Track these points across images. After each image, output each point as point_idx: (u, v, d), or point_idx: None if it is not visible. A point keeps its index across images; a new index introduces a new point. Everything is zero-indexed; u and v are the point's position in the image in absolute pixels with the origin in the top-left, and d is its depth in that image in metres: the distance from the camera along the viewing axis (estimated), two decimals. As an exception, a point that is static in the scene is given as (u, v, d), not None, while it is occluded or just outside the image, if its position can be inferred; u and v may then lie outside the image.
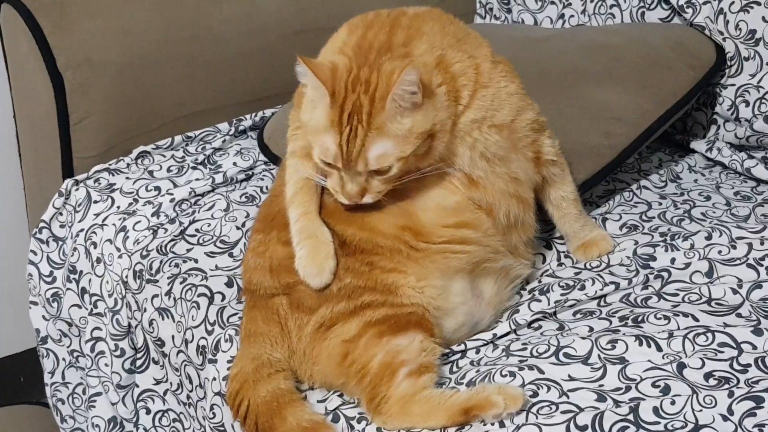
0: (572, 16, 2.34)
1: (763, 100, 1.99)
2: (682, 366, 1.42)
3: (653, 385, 1.39)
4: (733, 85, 2.05)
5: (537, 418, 1.37)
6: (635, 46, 2.06)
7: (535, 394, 1.41)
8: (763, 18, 2.00)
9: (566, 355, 1.47)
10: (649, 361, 1.43)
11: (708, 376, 1.40)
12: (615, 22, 2.25)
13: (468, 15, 2.53)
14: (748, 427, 1.31)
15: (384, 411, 1.41)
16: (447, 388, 1.45)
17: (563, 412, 1.37)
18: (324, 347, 1.48)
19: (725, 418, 1.33)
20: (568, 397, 1.40)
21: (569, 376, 1.43)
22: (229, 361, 1.64)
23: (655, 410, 1.35)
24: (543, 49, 2.12)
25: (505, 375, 1.45)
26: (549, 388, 1.41)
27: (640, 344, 1.46)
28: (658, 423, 1.34)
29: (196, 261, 1.83)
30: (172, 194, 2.01)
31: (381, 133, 1.41)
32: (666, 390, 1.38)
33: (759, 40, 2.01)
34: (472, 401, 1.37)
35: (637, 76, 1.98)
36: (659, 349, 1.46)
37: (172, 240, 1.89)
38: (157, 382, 1.90)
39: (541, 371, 1.44)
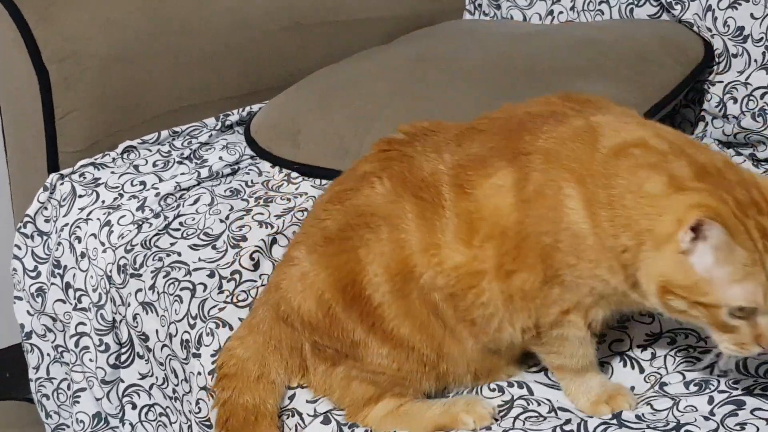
0: (561, 12, 2.34)
1: (751, 97, 1.98)
2: (663, 384, 1.41)
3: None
4: (721, 81, 2.04)
5: (524, 424, 1.37)
6: (623, 42, 2.06)
7: (525, 410, 1.40)
8: (752, 15, 1.99)
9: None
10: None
11: (688, 384, 1.39)
12: (604, 19, 2.25)
13: (457, 11, 2.53)
14: (731, 425, 1.30)
15: (366, 423, 1.43)
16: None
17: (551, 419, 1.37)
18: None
19: (707, 419, 1.32)
20: (556, 413, 1.39)
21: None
22: (212, 355, 1.63)
23: (638, 417, 1.35)
24: (531, 45, 2.11)
25: (493, 389, 1.44)
26: (539, 403, 1.41)
27: (624, 365, 1.45)
28: (640, 423, 1.33)
29: (179, 254, 1.82)
30: (157, 189, 2.00)
31: None
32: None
33: (747, 37, 2.01)
34: (442, 419, 1.38)
35: (625, 71, 1.97)
36: (642, 370, 1.45)
37: (156, 234, 1.89)
38: (143, 377, 1.89)
39: (531, 391, 1.44)
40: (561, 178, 1.27)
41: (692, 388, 1.38)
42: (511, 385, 1.44)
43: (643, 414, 1.35)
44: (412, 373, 1.39)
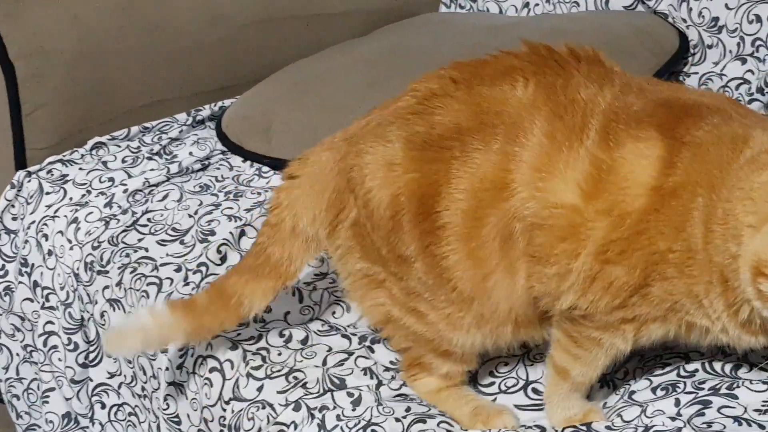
0: (537, 4, 2.32)
1: (726, 88, 1.96)
2: (632, 393, 1.38)
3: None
4: (696, 73, 2.02)
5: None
6: (598, 33, 2.04)
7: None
8: (726, 5, 1.98)
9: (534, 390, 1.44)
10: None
11: (655, 389, 1.37)
12: (579, 10, 2.23)
13: (433, 4, 2.50)
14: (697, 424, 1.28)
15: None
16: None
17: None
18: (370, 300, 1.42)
19: (673, 419, 1.30)
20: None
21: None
22: (180, 349, 1.61)
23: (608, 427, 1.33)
24: (506, 36, 2.09)
25: None
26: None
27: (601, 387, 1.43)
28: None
29: (146, 250, 1.80)
30: (125, 185, 1.98)
31: None
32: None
33: (722, 28, 1.99)
34: (471, 421, 1.37)
35: (598, 62, 1.95)
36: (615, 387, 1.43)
37: (123, 230, 1.86)
38: (111, 376, 1.86)
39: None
40: (699, 185, 1.18)
41: (659, 393, 1.35)
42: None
43: (613, 424, 1.32)
44: (445, 316, 1.33)
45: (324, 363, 1.51)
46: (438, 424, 1.37)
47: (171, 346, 1.56)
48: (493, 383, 1.47)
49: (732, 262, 1.16)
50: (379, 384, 1.47)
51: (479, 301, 1.31)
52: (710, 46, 2.01)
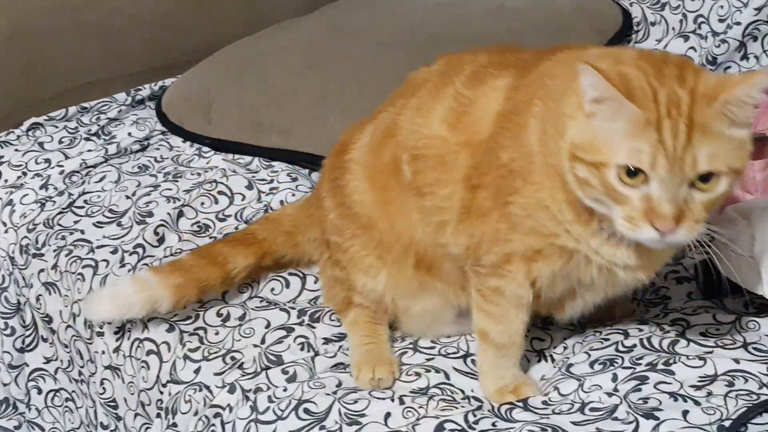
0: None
1: (670, 65, 1.96)
2: (570, 366, 1.38)
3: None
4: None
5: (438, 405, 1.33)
6: (541, 9, 2.04)
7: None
8: (670, -17, 1.98)
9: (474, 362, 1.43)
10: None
11: (593, 363, 1.36)
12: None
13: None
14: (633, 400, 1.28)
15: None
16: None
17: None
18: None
19: (610, 395, 1.29)
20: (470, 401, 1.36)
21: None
22: (116, 332, 1.60)
23: (544, 402, 1.32)
24: (448, 14, 2.08)
25: (410, 374, 1.41)
26: (453, 391, 1.38)
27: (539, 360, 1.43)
28: (546, 408, 1.30)
29: (82, 232, 1.77)
30: (62, 166, 1.94)
31: (708, 131, 1.14)
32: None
33: (665, 5, 2.00)
34: (353, 359, 1.44)
35: (541, 40, 1.92)
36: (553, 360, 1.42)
37: (59, 212, 1.83)
38: (48, 361, 1.83)
39: (448, 376, 1.40)
40: (536, 96, 1.26)
41: (597, 367, 1.35)
42: (428, 370, 1.41)
43: (549, 398, 1.32)
44: (350, 257, 1.45)
45: (262, 341, 1.49)
46: (369, 393, 1.37)
47: (155, 307, 1.52)
48: (433, 347, 1.46)
49: (561, 158, 1.20)
50: (316, 355, 1.46)
51: (378, 228, 1.42)
52: (653, 23, 2.01)
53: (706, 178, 1.14)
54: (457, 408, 1.32)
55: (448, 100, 1.35)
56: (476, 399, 1.36)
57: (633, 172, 1.13)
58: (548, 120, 1.23)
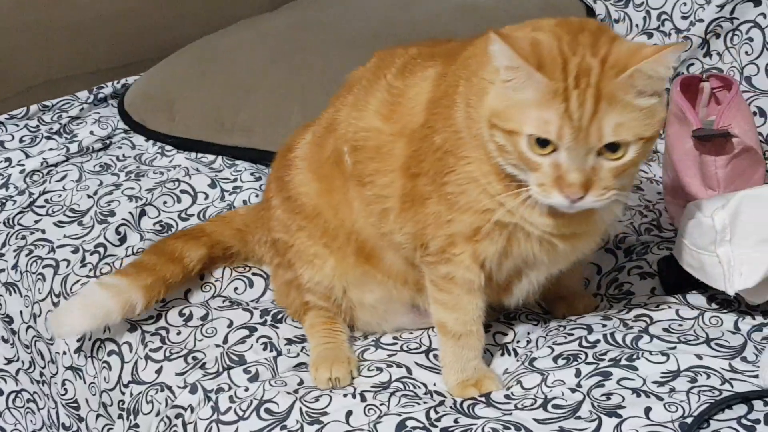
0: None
1: (633, 62, 1.96)
2: (533, 360, 1.37)
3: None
4: (604, 47, 2.02)
5: (399, 401, 1.32)
6: (506, 7, 2.04)
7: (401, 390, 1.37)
8: (633, -20, 1.98)
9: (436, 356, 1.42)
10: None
11: (557, 358, 1.36)
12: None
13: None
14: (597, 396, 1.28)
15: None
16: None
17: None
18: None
19: (573, 391, 1.29)
20: (432, 396, 1.37)
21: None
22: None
23: (507, 396, 1.32)
24: (416, 12, 2.08)
25: (372, 369, 1.40)
26: (416, 386, 1.37)
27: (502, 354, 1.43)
28: (509, 403, 1.30)
29: (43, 231, 1.75)
30: (23, 165, 1.93)
31: (615, 102, 1.15)
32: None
33: (629, 2, 2.00)
34: (312, 359, 1.44)
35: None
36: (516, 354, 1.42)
37: (20, 212, 1.81)
38: (8, 362, 1.81)
39: (410, 371, 1.40)
40: (461, 77, 1.28)
41: (560, 362, 1.35)
42: (390, 365, 1.40)
43: (512, 393, 1.32)
44: (296, 251, 1.46)
45: (225, 341, 1.48)
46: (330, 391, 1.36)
47: (132, 310, 1.51)
48: (395, 343, 1.46)
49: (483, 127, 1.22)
50: (278, 355, 1.46)
51: (323, 216, 1.43)
52: (617, 21, 2.01)
53: (614, 147, 1.16)
54: (419, 404, 1.31)
55: (381, 92, 1.37)
56: (439, 394, 1.36)
57: (543, 142, 1.16)
58: (472, 93, 1.25)
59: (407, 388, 1.36)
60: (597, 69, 1.15)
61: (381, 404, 1.31)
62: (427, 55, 1.39)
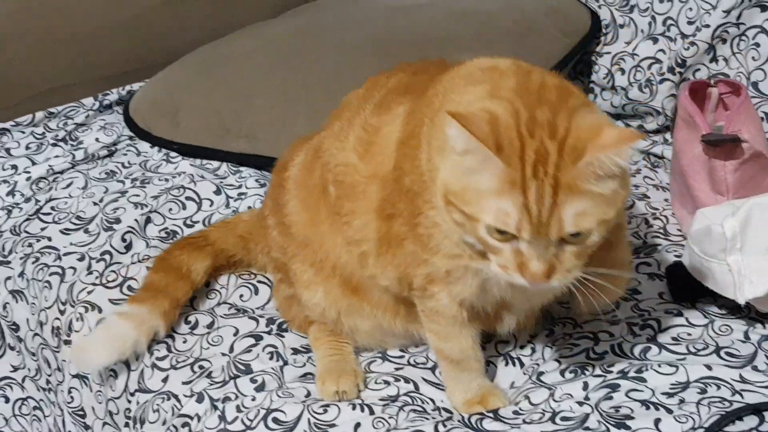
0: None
1: (639, 68, 1.96)
2: (540, 374, 1.36)
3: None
4: (609, 53, 2.02)
5: (408, 415, 1.32)
6: (508, 12, 2.03)
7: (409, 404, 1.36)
8: (638, -15, 1.98)
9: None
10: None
11: (564, 371, 1.35)
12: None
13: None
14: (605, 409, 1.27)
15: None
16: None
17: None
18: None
19: (581, 404, 1.29)
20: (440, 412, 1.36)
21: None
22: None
23: (515, 412, 1.31)
24: (415, 17, 2.07)
25: (380, 383, 1.40)
26: (423, 401, 1.37)
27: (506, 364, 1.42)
28: (517, 417, 1.30)
29: (49, 239, 1.75)
30: (29, 172, 1.92)
31: (575, 191, 1.11)
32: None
33: (634, 7, 1.99)
34: (318, 371, 1.43)
35: (509, 42, 1.94)
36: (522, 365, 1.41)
37: (26, 219, 1.81)
38: (15, 369, 1.81)
39: (417, 387, 1.39)
40: (425, 115, 1.24)
41: (568, 375, 1.34)
42: (398, 379, 1.40)
43: (520, 408, 1.31)
44: (293, 273, 1.45)
45: (231, 350, 1.48)
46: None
47: (156, 337, 1.51)
48: (402, 356, 1.45)
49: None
50: (285, 365, 1.45)
51: (312, 247, 1.42)
52: (622, 26, 2.01)
53: (576, 234, 1.13)
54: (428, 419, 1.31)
55: (358, 128, 1.34)
56: (446, 410, 1.35)
57: (503, 230, 1.12)
58: (432, 134, 1.21)
59: (415, 402, 1.36)
60: (555, 156, 1.11)
61: (390, 418, 1.31)
62: (402, 89, 1.36)
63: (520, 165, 1.10)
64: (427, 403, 1.36)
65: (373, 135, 1.32)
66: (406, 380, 1.40)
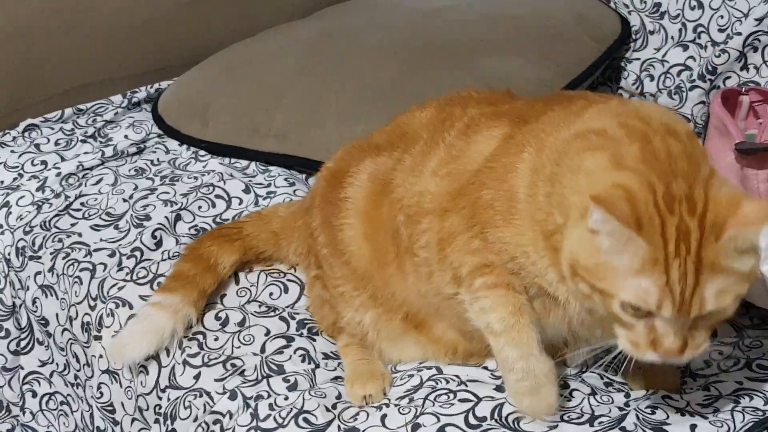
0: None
1: (668, 75, 1.96)
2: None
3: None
4: (638, 59, 2.02)
5: (434, 405, 1.32)
6: (537, 17, 2.03)
7: (434, 389, 1.36)
8: (669, -9, 1.98)
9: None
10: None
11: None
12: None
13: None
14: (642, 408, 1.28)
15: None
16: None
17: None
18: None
19: (621, 409, 1.29)
20: (466, 385, 1.36)
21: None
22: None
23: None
24: (442, 19, 2.07)
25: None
26: (448, 381, 1.37)
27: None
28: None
29: (80, 235, 1.75)
30: (59, 168, 1.93)
31: (717, 269, 1.10)
32: None
33: (664, 14, 1.99)
34: (347, 376, 1.44)
35: (539, 47, 1.94)
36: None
37: (56, 215, 1.81)
38: (43, 364, 1.82)
39: (440, 370, 1.41)
40: (528, 144, 1.24)
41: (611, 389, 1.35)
42: (420, 369, 1.41)
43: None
44: (339, 294, 1.44)
45: (262, 350, 1.48)
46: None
47: (191, 324, 1.53)
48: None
49: (556, 232, 1.17)
50: (317, 367, 1.46)
51: (374, 284, 1.41)
52: (652, 32, 2.01)
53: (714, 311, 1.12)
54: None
55: (440, 152, 1.34)
56: (472, 381, 1.35)
57: (639, 307, 1.11)
58: (541, 177, 1.20)
59: (439, 385, 1.36)
60: (696, 233, 1.09)
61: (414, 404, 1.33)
62: (493, 114, 1.35)
63: (662, 243, 1.09)
64: (453, 380, 1.36)
65: (455, 153, 1.32)
66: (428, 368, 1.41)
